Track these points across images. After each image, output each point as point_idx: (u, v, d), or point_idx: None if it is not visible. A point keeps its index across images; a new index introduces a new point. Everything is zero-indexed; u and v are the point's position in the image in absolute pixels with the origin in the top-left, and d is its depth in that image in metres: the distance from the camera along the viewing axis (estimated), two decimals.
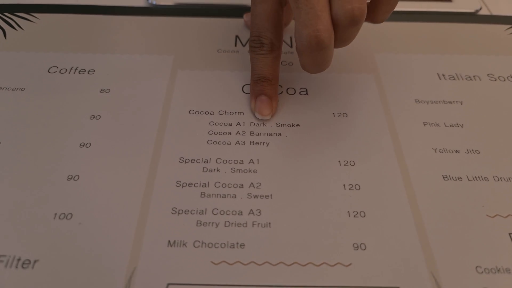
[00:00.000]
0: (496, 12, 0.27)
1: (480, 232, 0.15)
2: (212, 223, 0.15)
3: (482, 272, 0.14)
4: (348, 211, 0.16)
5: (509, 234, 0.15)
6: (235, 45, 0.23)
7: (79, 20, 0.24)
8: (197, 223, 0.15)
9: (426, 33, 0.24)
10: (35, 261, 0.14)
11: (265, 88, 0.19)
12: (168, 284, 0.14)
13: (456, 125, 0.19)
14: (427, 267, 0.14)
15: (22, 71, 0.21)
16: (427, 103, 0.20)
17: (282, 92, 0.20)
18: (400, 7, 0.26)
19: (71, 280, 0.14)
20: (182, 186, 0.16)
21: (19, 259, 0.14)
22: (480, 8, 0.26)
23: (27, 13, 0.24)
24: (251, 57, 0.19)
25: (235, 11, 0.25)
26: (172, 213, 0.15)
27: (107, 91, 0.20)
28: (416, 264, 0.14)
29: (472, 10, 0.26)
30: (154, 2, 0.25)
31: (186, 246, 0.15)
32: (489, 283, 0.14)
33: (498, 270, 0.14)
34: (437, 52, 0.23)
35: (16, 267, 0.14)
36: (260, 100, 0.19)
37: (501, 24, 0.25)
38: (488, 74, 0.22)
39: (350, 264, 0.14)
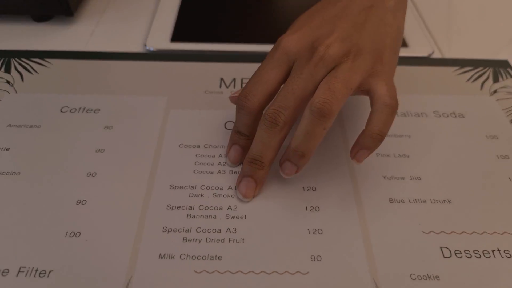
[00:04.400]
0: (447, 55, 0.31)
1: (416, 245, 0.19)
2: (196, 239, 0.18)
3: (415, 279, 0.17)
4: (308, 229, 0.19)
5: (440, 247, 0.19)
6: (220, 86, 0.26)
7: (86, 65, 0.28)
8: (183, 239, 0.18)
9: None
10: (50, 271, 0.17)
11: (256, 173, 0.19)
12: None
13: (404, 156, 0.23)
14: (370, 274, 0.17)
15: (38, 110, 0.24)
16: None
17: None
18: None
19: (80, 287, 0.17)
20: (172, 208, 0.20)
21: (37, 270, 0.17)
22: (433, 52, 0.31)
23: (41, 58, 0.28)
24: (258, 131, 0.18)
25: (220, 57, 0.29)
26: (162, 231, 0.19)
27: (110, 127, 0.23)
28: (361, 272, 0.18)
29: (425, 54, 0.30)
30: (151, 49, 0.29)
31: (174, 258, 0.18)
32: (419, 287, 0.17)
33: (429, 277, 0.18)
34: (398, 93, 0.27)
35: (35, 276, 0.17)
36: (247, 182, 0.19)
37: (450, 66, 0.29)
38: (433, 111, 0.25)
39: (307, 273, 0.17)
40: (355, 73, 0.18)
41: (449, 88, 0.27)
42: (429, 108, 0.26)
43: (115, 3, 0.34)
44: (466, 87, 0.27)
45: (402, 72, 0.28)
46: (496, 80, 0.28)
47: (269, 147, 0.18)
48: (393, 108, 0.18)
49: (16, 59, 0.28)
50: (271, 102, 0.19)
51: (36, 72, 0.27)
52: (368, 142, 0.18)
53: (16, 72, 0.27)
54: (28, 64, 0.27)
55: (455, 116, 0.25)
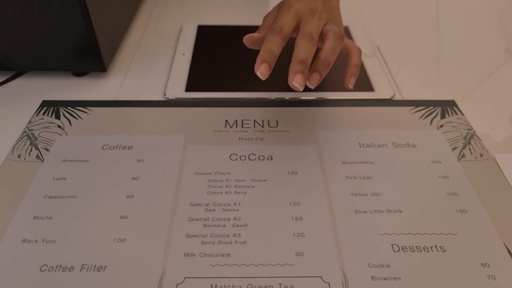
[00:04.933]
0: (406, 97, 0.39)
1: (373, 243, 0.25)
2: (211, 242, 0.25)
3: (372, 267, 0.24)
4: (294, 233, 0.25)
5: (391, 244, 0.25)
6: (225, 126, 0.34)
7: (119, 111, 0.35)
8: (201, 242, 0.25)
9: (355, 114, 0.35)
10: (105, 267, 0.23)
11: (303, 70, 0.27)
12: (185, 278, 0.23)
13: (367, 178, 0.29)
14: (339, 264, 0.24)
15: (85, 148, 0.31)
16: (350, 163, 0.30)
17: (255, 158, 0.31)
18: (337, 96, 0.37)
19: (128, 278, 0.23)
20: (192, 220, 0.26)
21: (95, 266, 0.23)
22: (394, 95, 0.38)
23: (83, 107, 0.35)
24: (299, 41, 0.28)
25: (225, 103, 0.36)
26: (186, 237, 0.25)
27: (142, 160, 0.30)
28: (332, 263, 0.24)
29: (388, 97, 0.38)
30: (170, 97, 0.37)
31: (195, 256, 0.24)
32: (375, 273, 0.23)
33: (382, 266, 0.24)
34: (360, 128, 0.34)
35: (93, 271, 0.23)
36: (299, 76, 0.27)
37: (407, 106, 0.37)
38: (392, 143, 0.32)
39: (293, 264, 0.24)
40: (335, 23, 0.31)
41: (405, 124, 0.34)
42: (389, 140, 0.33)
43: (137, 60, 0.42)
44: (418, 123, 0.34)
45: (369, 112, 0.36)
46: (443, 116, 0.35)
47: (309, 53, 0.28)
48: (340, 36, 0.30)
49: (63, 107, 0.35)
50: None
51: (81, 118, 0.34)
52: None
53: (64, 118, 0.34)
54: (74, 112, 0.35)
55: (409, 146, 0.32)
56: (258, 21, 0.49)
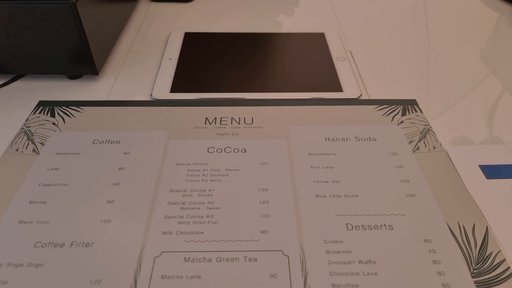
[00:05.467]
0: (373, 97, 0.42)
1: (329, 223, 0.28)
2: (187, 222, 0.28)
3: (327, 242, 0.27)
4: (260, 214, 0.29)
5: (346, 224, 0.28)
6: (205, 123, 0.37)
7: (109, 110, 0.38)
8: (178, 222, 0.28)
9: (323, 112, 0.39)
10: (92, 243, 0.26)
11: None
12: (162, 252, 0.26)
13: (330, 167, 0.33)
14: (298, 240, 0.27)
15: (77, 142, 0.34)
16: (315, 155, 0.34)
17: (231, 151, 0.34)
18: (308, 96, 0.41)
19: (112, 253, 0.26)
20: (171, 204, 0.29)
21: (83, 242, 0.26)
22: (361, 95, 0.42)
23: (77, 106, 0.39)
24: None
25: (205, 102, 0.39)
26: (165, 218, 0.28)
27: (128, 153, 0.33)
28: (292, 239, 0.27)
29: (355, 96, 0.41)
30: (156, 98, 0.40)
31: (172, 234, 0.27)
32: (329, 247, 0.27)
33: (336, 241, 0.27)
34: (327, 125, 0.37)
35: (82, 246, 0.26)
36: None
37: (372, 105, 0.40)
38: (355, 137, 0.36)
39: (258, 240, 0.27)
40: None
41: (369, 121, 0.38)
42: (352, 135, 0.36)
43: (127, 64, 0.46)
44: (381, 119, 0.38)
45: (337, 110, 0.39)
46: (404, 114, 0.39)
47: None
48: None
49: (58, 107, 0.38)
50: None
51: (74, 116, 0.37)
52: None
53: (59, 116, 0.37)
54: (67, 111, 0.38)
55: (370, 140, 0.36)
56: (244, 29, 0.53)
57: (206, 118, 0.38)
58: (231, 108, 0.39)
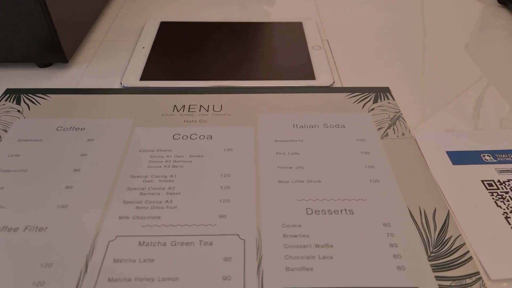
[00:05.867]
0: (346, 85, 0.42)
1: (289, 208, 0.28)
2: (144, 207, 0.28)
3: (285, 226, 0.27)
4: (220, 199, 0.28)
5: (306, 208, 0.28)
6: (173, 111, 0.37)
7: (76, 98, 0.38)
8: (136, 207, 0.28)
9: (294, 100, 0.38)
10: (46, 228, 0.26)
11: None
12: (117, 236, 0.26)
13: (295, 153, 0.32)
14: (256, 224, 0.27)
15: (40, 129, 0.34)
16: (281, 141, 0.33)
17: (196, 138, 0.34)
18: (280, 84, 0.40)
19: (67, 238, 0.26)
20: (130, 189, 0.29)
21: (37, 227, 0.26)
22: (333, 82, 0.41)
23: (43, 94, 0.38)
24: None
25: (174, 90, 0.39)
26: (123, 203, 0.28)
27: (92, 140, 0.33)
28: (250, 223, 0.27)
29: (328, 84, 0.41)
30: (125, 85, 0.40)
31: (128, 218, 0.27)
32: (287, 231, 0.26)
33: (294, 225, 0.27)
34: (297, 112, 0.37)
35: (35, 231, 0.26)
36: None
37: (344, 93, 0.40)
38: (323, 124, 0.35)
39: (215, 224, 0.27)
40: None
41: (339, 108, 0.37)
42: (321, 122, 0.36)
43: (100, 53, 0.45)
44: (352, 107, 0.38)
45: (308, 98, 0.39)
46: (376, 101, 0.39)
47: None
48: None
49: (25, 94, 0.38)
50: None
51: (40, 104, 0.37)
52: None
53: (24, 104, 0.37)
54: (34, 98, 0.37)
55: (339, 127, 0.35)
56: (222, 18, 0.53)
57: (175, 105, 0.37)
58: (201, 95, 0.39)
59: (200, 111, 0.37)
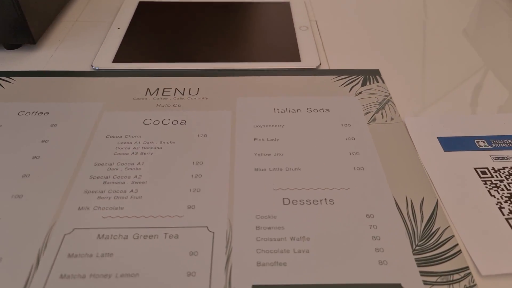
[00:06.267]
0: (333, 67, 0.39)
1: (265, 197, 0.26)
2: (107, 197, 0.25)
3: (259, 218, 0.24)
4: (190, 189, 0.26)
5: (283, 198, 0.26)
6: (145, 94, 0.34)
7: (42, 81, 0.35)
8: (98, 197, 0.25)
9: (277, 83, 0.36)
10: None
11: None
12: (74, 229, 0.23)
13: (274, 139, 0.30)
14: (227, 215, 0.24)
15: (1, 114, 0.31)
16: (261, 127, 0.31)
17: (169, 123, 0.31)
18: (262, 66, 0.38)
19: (22, 227, 0.23)
20: (93, 178, 0.27)
21: None
22: (320, 64, 0.39)
23: (8, 77, 0.36)
24: None
25: (148, 73, 0.37)
26: (84, 192, 0.26)
27: (55, 125, 0.31)
28: (221, 214, 0.25)
29: (313, 66, 0.38)
30: (96, 68, 0.37)
31: (88, 209, 0.25)
32: (260, 223, 0.24)
33: (269, 217, 0.25)
34: (279, 95, 0.34)
35: None
36: None
37: (331, 75, 0.37)
38: (307, 108, 0.33)
39: (183, 216, 0.24)
40: None
41: (324, 92, 0.35)
42: (304, 106, 0.33)
43: (72, 34, 0.43)
44: (338, 90, 0.35)
45: (291, 81, 0.36)
46: (364, 84, 0.36)
47: None
48: None
49: None
50: None
51: (3, 87, 0.34)
52: None
53: None
54: None
55: (323, 111, 0.33)
56: None
57: (148, 89, 0.35)
58: (177, 78, 0.36)
59: (175, 94, 0.34)
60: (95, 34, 0.43)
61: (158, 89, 0.35)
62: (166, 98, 0.34)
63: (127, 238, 0.23)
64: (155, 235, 0.24)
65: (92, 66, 0.37)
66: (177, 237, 0.23)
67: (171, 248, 0.23)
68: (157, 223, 0.24)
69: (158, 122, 0.31)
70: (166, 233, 0.24)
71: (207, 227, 0.24)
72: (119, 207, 0.25)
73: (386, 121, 0.32)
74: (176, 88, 0.35)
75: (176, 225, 0.24)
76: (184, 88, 0.35)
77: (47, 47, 0.40)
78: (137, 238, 0.23)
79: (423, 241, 0.24)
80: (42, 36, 0.41)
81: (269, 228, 0.24)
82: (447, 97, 0.36)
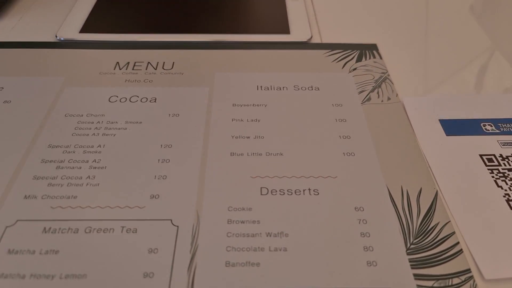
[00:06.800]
0: (326, 40, 0.35)
1: (240, 186, 0.23)
2: (59, 184, 0.22)
3: (231, 210, 0.21)
4: (155, 175, 0.23)
5: (261, 187, 0.23)
6: (114, 69, 0.31)
7: (3, 52, 0.32)
8: (48, 184, 0.22)
9: (261, 57, 0.32)
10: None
11: None
12: (17, 220, 0.20)
13: (255, 120, 0.27)
14: (195, 207, 0.21)
15: None
16: (240, 106, 0.28)
17: (137, 100, 0.28)
18: (246, 38, 0.34)
19: None
20: (45, 162, 0.23)
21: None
22: (311, 37, 0.35)
23: None
24: None
25: (121, 45, 0.33)
26: (32, 178, 0.22)
27: (9, 102, 0.27)
28: (188, 206, 0.21)
29: (304, 40, 0.35)
30: (61, 39, 0.33)
31: (36, 198, 0.22)
32: (233, 216, 0.21)
33: (243, 209, 0.21)
34: (263, 71, 0.31)
35: None
36: None
37: (323, 50, 0.33)
38: (294, 86, 0.30)
39: (144, 207, 0.21)
40: None
41: (314, 67, 0.31)
42: (291, 83, 0.30)
43: (39, 2, 0.39)
44: (330, 66, 0.32)
45: (278, 55, 0.32)
46: (359, 60, 0.32)
47: None
48: None
49: None
50: None
51: None
52: None
53: None
54: None
55: (312, 89, 0.29)
56: None
57: (117, 62, 0.31)
58: (150, 51, 0.32)
59: (147, 69, 0.31)
60: (64, 2, 0.39)
61: (128, 62, 0.31)
62: (136, 73, 0.30)
63: (77, 232, 0.20)
64: (110, 229, 0.20)
65: (56, 36, 0.34)
66: (136, 232, 0.20)
67: (127, 244, 0.20)
68: (114, 214, 0.21)
69: (125, 99, 0.28)
70: (123, 227, 0.21)
71: (171, 220, 0.21)
72: (72, 196, 0.22)
73: (382, 101, 0.29)
74: (148, 62, 0.31)
75: (136, 217, 0.21)
76: (158, 62, 0.31)
77: (11, 16, 0.36)
78: (89, 232, 0.20)
79: (418, 238, 0.21)
80: (5, 4, 0.37)
81: (243, 222, 0.21)
82: (450, 77, 0.32)
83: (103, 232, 0.20)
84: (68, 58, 0.31)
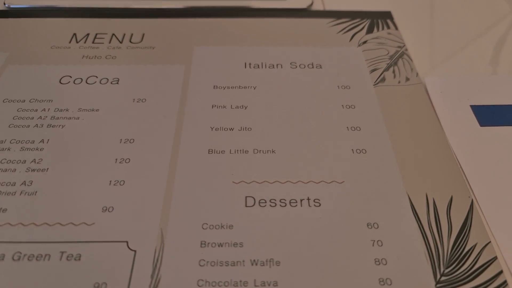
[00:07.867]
0: (329, 7, 0.30)
1: (220, 195, 0.18)
2: None
3: (207, 228, 0.17)
4: (110, 181, 0.18)
5: (246, 197, 0.18)
6: (70, 42, 0.25)
7: None
8: None
9: (251, 27, 0.26)
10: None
11: None
12: None
13: (241, 107, 0.21)
14: (159, 223, 0.17)
15: None
16: (223, 89, 0.22)
17: (95, 82, 0.23)
18: (232, 3, 0.28)
19: None
20: None
21: None
22: (312, 3, 0.29)
23: None
24: None
25: (81, 12, 0.27)
26: None
27: None
28: (151, 221, 0.17)
29: (303, 6, 0.29)
30: (11, 6, 0.28)
31: None
32: (208, 237, 0.16)
33: (222, 226, 0.17)
34: (253, 45, 0.25)
35: None
36: None
37: (326, 18, 0.28)
38: (291, 63, 0.24)
39: (93, 224, 0.16)
40: None
41: (316, 40, 0.26)
42: (287, 59, 0.24)
43: None
44: (335, 38, 0.26)
45: (272, 25, 0.27)
46: (370, 31, 0.27)
47: None
48: None
49: None
50: None
51: None
52: None
53: None
54: None
55: (312, 67, 0.24)
56: None
57: (74, 34, 0.26)
58: (115, 20, 0.27)
59: (110, 42, 0.25)
60: None
61: (88, 34, 0.26)
62: (97, 48, 0.25)
63: (3, 259, 0.16)
64: (45, 255, 0.16)
65: (4, 4, 0.28)
66: (79, 259, 0.16)
67: (67, 276, 0.15)
68: (52, 235, 0.16)
69: (80, 80, 0.23)
70: (63, 252, 0.16)
71: (126, 242, 0.16)
72: (1, 209, 0.17)
73: (399, 81, 0.23)
74: (113, 34, 0.26)
75: (81, 238, 0.16)
76: (124, 34, 0.26)
77: None
78: (18, 259, 0.15)
79: (452, 267, 0.16)
80: None
81: (221, 244, 0.16)
82: (484, 52, 0.27)
83: (36, 259, 0.15)
84: (15, 29, 0.26)
